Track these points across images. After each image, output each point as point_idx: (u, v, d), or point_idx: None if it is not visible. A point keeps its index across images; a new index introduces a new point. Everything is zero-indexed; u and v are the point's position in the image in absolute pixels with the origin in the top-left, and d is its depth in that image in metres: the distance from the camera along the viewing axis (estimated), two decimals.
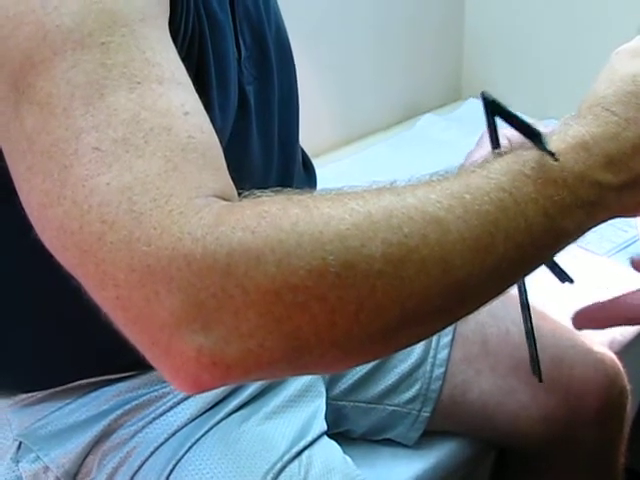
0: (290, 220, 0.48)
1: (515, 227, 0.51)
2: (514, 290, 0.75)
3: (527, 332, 0.73)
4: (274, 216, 0.48)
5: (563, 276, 0.57)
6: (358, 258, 0.47)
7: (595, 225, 0.55)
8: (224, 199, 0.51)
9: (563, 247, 0.55)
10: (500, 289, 0.54)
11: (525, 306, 0.73)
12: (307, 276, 0.47)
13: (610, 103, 0.56)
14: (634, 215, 0.57)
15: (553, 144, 0.54)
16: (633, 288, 0.60)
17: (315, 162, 1.08)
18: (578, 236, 0.55)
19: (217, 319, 0.47)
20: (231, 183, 0.54)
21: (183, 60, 0.57)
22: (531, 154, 0.53)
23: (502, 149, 0.56)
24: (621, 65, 0.58)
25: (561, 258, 0.60)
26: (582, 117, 0.56)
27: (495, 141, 0.60)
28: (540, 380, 0.72)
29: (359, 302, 0.48)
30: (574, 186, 0.53)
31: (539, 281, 0.93)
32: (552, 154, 0.52)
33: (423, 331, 0.54)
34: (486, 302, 0.54)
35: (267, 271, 0.47)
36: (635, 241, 1.46)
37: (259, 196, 0.51)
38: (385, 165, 1.70)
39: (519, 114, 0.56)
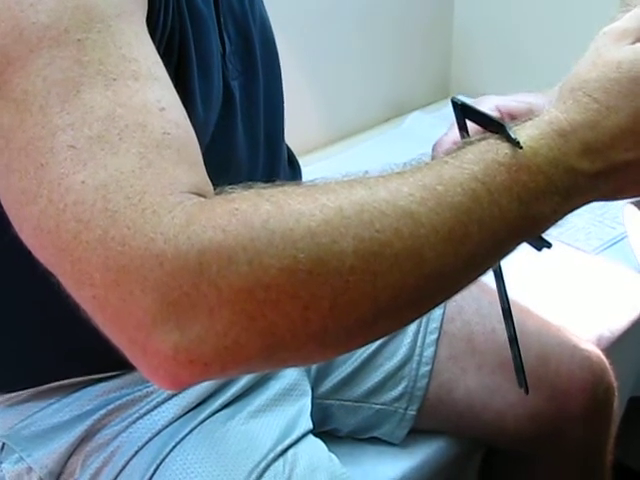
0: (261, 218, 0.48)
1: (489, 216, 0.51)
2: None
3: (510, 341, 0.73)
4: (245, 213, 0.48)
5: (540, 243, 0.57)
6: (329, 255, 0.48)
7: (572, 210, 0.55)
8: (199, 194, 0.51)
9: (541, 231, 0.55)
10: (477, 274, 0.55)
11: (507, 314, 0.72)
12: (278, 274, 0.47)
13: (592, 89, 0.55)
14: (613, 199, 0.57)
15: (527, 130, 0.54)
16: None
17: (302, 161, 1.08)
18: (556, 220, 0.55)
19: (192, 318, 0.47)
20: (207, 178, 0.54)
21: (163, 54, 0.57)
22: (505, 141, 0.53)
23: (474, 137, 0.56)
24: (606, 48, 0.58)
25: (549, 255, 0.60)
26: (562, 101, 0.56)
27: None
28: (527, 392, 0.72)
29: (332, 298, 0.48)
30: (549, 172, 0.53)
31: (524, 277, 0.94)
32: (517, 143, 0.52)
33: (401, 321, 0.54)
34: (465, 287, 0.54)
35: (239, 270, 0.47)
36: (623, 238, 1.46)
37: (230, 192, 0.51)
38: (372, 164, 1.69)
39: (486, 111, 0.56)
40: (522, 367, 0.74)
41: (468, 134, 0.61)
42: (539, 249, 0.56)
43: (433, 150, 0.69)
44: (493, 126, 0.55)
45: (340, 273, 0.48)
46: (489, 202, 0.51)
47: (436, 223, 0.50)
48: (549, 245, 0.56)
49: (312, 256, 0.47)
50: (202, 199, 0.51)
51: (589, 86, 0.55)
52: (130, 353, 0.50)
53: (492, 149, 0.53)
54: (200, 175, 0.53)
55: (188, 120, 0.55)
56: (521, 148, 0.53)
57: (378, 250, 0.48)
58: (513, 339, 0.73)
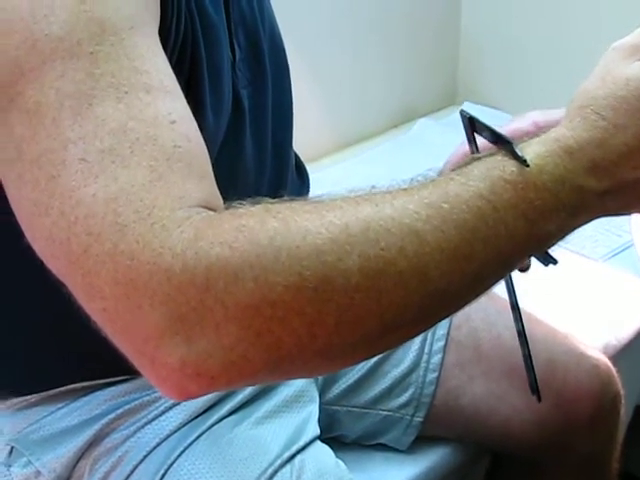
0: (268, 234, 0.48)
1: (495, 234, 0.51)
2: (507, 296, 0.75)
3: (520, 335, 0.73)
4: (252, 230, 0.48)
5: (546, 259, 0.57)
6: (335, 273, 0.48)
7: (578, 227, 0.56)
8: (208, 208, 0.51)
9: (547, 248, 0.55)
10: (482, 291, 0.55)
11: (516, 312, 0.72)
12: (285, 291, 0.47)
13: (600, 106, 0.55)
14: (619, 215, 0.57)
15: (534, 147, 0.54)
16: None
17: (310, 167, 1.08)
18: (562, 237, 0.55)
19: (199, 332, 0.48)
20: (217, 192, 0.54)
21: (175, 64, 0.58)
22: (512, 158, 0.53)
23: (482, 153, 0.56)
24: (615, 65, 0.57)
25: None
26: (570, 119, 0.56)
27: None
28: (539, 400, 0.72)
29: (338, 315, 0.48)
30: (555, 189, 0.53)
31: (531, 285, 0.94)
32: (523, 161, 0.52)
33: (406, 336, 0.54)
34: (470, 303, 0.55)
35: (245, 287, 0.47)
36: (630, 246, 1.46)
37: (238, 207, 0.51)
38: (380, 170, 1.69)
39: (493, 126, 0.57)
40: (532, 367, 0.74)
41: (477, 147, 0.61)
42: (545, 264, 0.56)
43: (446, 162, 0.69)
44: (500, 142, 0.55)
45: (345, 290, 0.48)
46: (495, 220, 0.51)
47: (441, 241, 0.50)
48: (555, 261, 0.56)
49: (318, 273, 0.48)
50: (211, 213, 0.51)
51: (597, 103, 0.55)
52: (139, 364, 0.51)
53: (498, 166, 0.53)
54: (210, 189, 0.53)
55: (199, 133, 0.55)
56: (527, 166, 0.52)
57: (383, 268, 0.49)
58: (522, 335, 0.73)
